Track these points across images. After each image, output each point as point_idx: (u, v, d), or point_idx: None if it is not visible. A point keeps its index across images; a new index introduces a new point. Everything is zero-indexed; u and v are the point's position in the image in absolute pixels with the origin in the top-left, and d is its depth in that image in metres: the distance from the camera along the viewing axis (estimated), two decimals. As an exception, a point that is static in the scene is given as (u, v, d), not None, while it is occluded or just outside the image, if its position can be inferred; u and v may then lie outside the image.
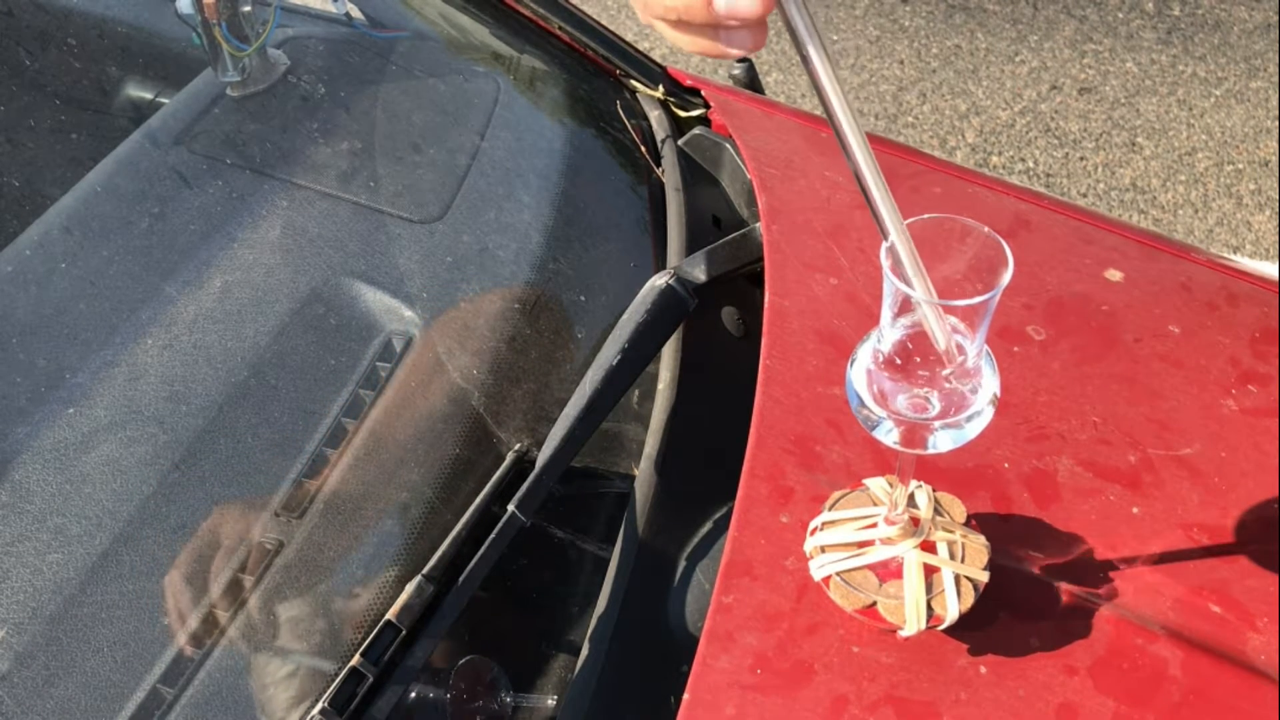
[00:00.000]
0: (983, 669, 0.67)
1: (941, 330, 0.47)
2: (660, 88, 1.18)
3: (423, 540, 0.77)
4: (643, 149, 1.11)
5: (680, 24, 0.38)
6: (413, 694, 0.71)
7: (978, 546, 0.67)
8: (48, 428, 0.78)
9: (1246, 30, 2.71)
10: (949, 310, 0.47)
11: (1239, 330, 0.87)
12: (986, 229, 0.46)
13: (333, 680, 0.68)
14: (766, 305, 0.88)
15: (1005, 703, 0.65)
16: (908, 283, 0.44)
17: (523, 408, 0.87)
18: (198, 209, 0.95)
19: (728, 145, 1.09)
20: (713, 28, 0.37)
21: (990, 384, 0.51)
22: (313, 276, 0.93)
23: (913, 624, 0.64)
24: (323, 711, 0.66)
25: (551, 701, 0.75)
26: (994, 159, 2.46)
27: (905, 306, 0.47)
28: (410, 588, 0.72)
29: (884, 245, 0.43)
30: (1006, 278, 0.45)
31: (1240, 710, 0.65)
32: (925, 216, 0.46)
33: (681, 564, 0.79)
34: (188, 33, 1.05)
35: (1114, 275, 0.92)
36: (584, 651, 0.73)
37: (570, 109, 1.18)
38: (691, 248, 0.96)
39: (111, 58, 1.18)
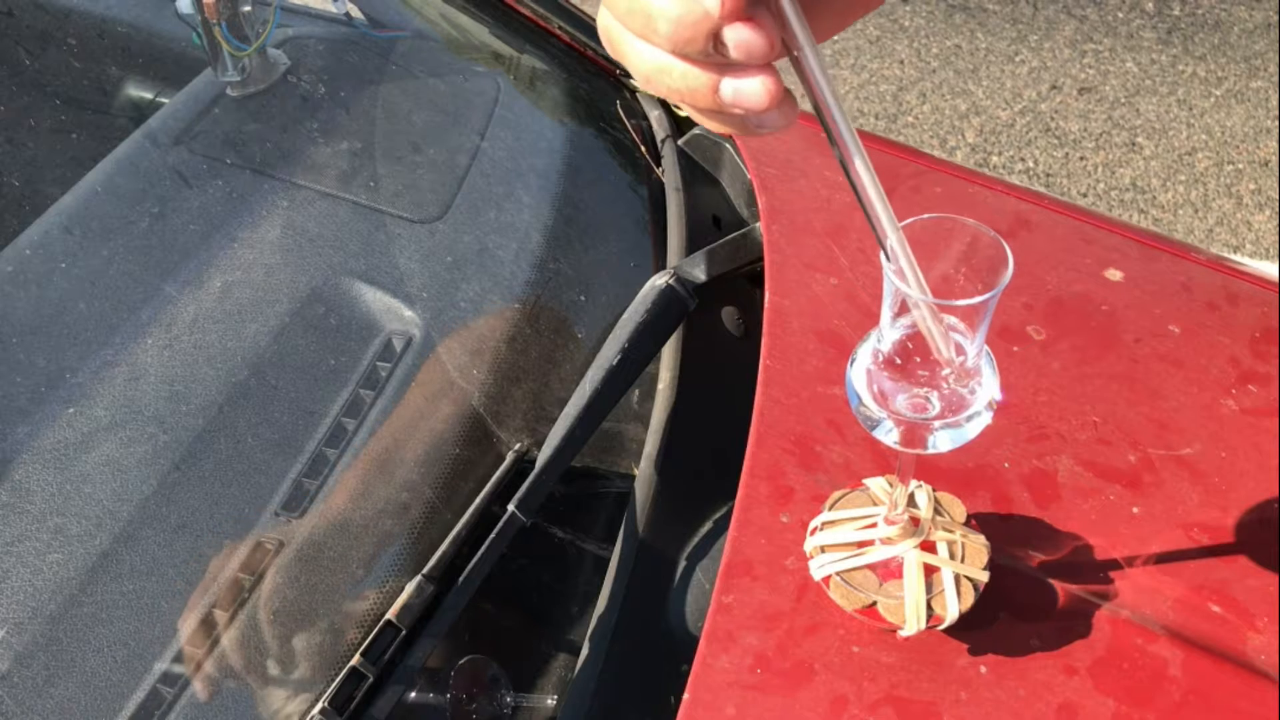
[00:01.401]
0: (983, 669, 0.67)
1: (941, 337, 0.46)
2: (660, 88, 1.18)
3: (423, 540, 0.77)
4: (643, 149, 1.11)
5: (694, 108, 0.37)
6: (413, 694, 0.71)
7: (978, 546, 0.67)
8: (48, 428, 0.78)
9: (1246, 30, 2.71)
10: (949, 310, 0.47)
11: (1239, 330, 0.87)
12: (986, 229, 0.46)
13: (333, 680, 0.68)
14: (766, 305, 0.88)
15: (1005, 703, 0.65)
16: (906, 287, 0.44)
17: (523, 408, 0.87)
18: (198, 209, 0.95)
19: (728, 145, 1.09)
20: (723, 113, 0.36)
21: (990, 384, 0.51)
22: (313, 276, 0.93)
23: (913, 624, 0.64)
24: (323, 711, 0.66)
25: (551, 701, 0.75)
26: (994, 159, 2.46)
27: (905, 307, 0.47)
28: (410, 588, 0.72)
29: (882, 252, 0.43)
30: (1006, 278, 0.45)
31: (1240, 710, 0.65)
32: (925, 216, 0.46)
33: (681, 564, 0.79)
34: (188, 33, 1.05)
35: (1114, 275, 0.92)
36: (584, 651, 0.73)
37: (570, 109, 1.18)
38: (691, 248, 0.96)
39: (111, 58, 1.18)
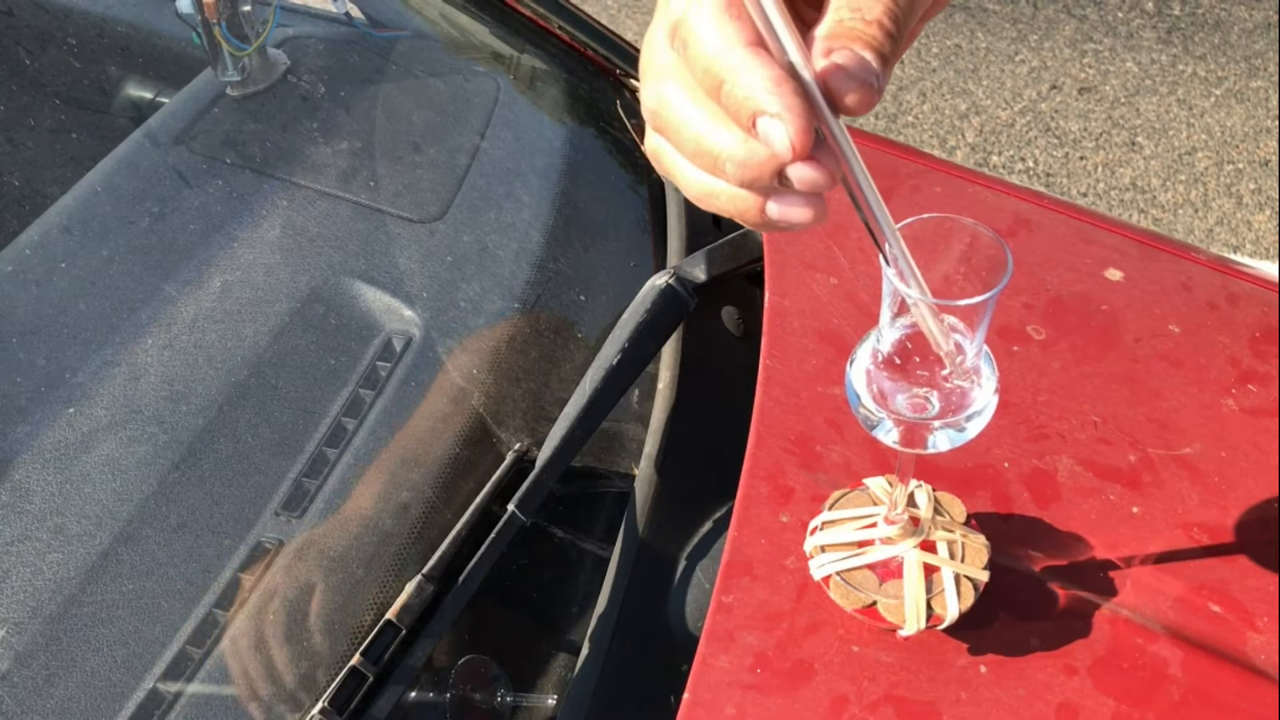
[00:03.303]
0: (983, 669, 0.67)
1: (942, 334, 0.47)
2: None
3: (423, 540, 0.77)
4: (643, 149, 1.11)
5: (736, 219, 0.39)
6: (413, 694, 0.71)
7: (978, 546, 0.67)
8: (48, 428, 0.78)
9: (1246, 30, 2.71)
10: (949, 310, 0.47)
11: (1239, 330, 0.87)
12: (986, 229, 0.46)
13: (333, 680, 0.68)
14: (766, 305, 0.88)
15: (1005, 703, 0.65)
16: (906, 287, 0.44)
17: (523, 408, 0.87)
18: (198, 209, 0.95)
19: (728, 145, 1.09)
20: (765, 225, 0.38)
21: (990, 384, 0.51)
22: (313, 276, 0.93)
23: (913, 624, 0.64)
24: (323, 711, 0.66)
25: (551, 701, 0.75)
26: (994, 159, 2.46)
27: (904, 306, 0.47)
28: (410, 587, 0.72)
29: (881, 255, 0.43)
30: (1006, 278, 0.45)
31: (1240, 710, 0.65)
32: (925, 216, 0.46)
33: (681, 564, 0.79)
34: (188, 33, 1.05)
35: (1114, 275, 0.92)
36: (584, 651, 0.73)
37: (570, 109, 1.18)
38: (691, 247, 0.96)
39: (111, 58, 1.18)
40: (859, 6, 0.35)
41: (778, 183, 0.36)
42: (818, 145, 0.35)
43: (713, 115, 0.36)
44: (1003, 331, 0.87)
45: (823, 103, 0.35)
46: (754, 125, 0.34)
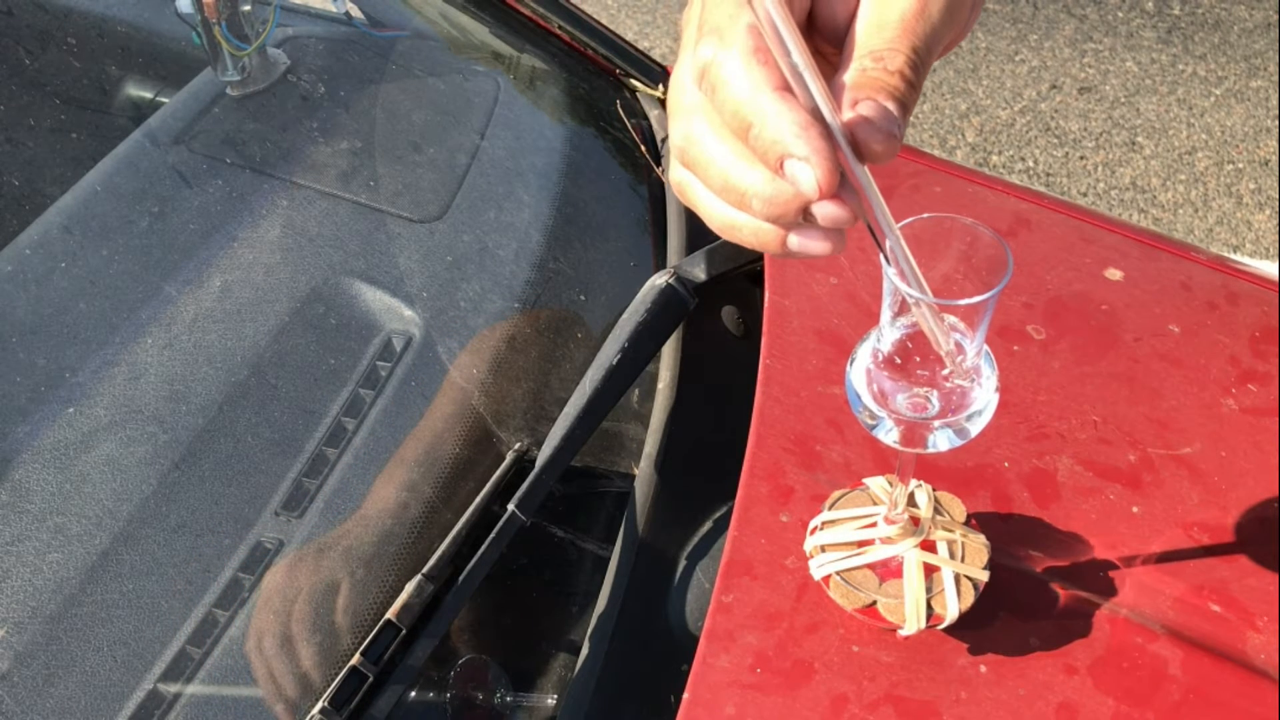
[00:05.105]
0: (983, 669, 0.67)
1: (942, 334, 0.47)
2: (660, 87, 1.18)
3: (423, 540, 0.77)
4: (643, 148, 1.11)
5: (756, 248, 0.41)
6: (413, 694, 0.71)
7: (978, 546, 0.67)
8: (48, 428, 0.78)
9: (1246, 30, 2.71)
10: (949, 310, 0.47)
11: (1239, 330, 0.87)
12: (986, 228, 0.46)
13: (333, 680, 0.68)
14: (766, 305, 0.88)
15: (1005, 702, 0.65)
16: (907, 286, 0.44)
17: (523, 407, 0.87)
18: (198, 209, 0.95)
19: (728, 145, 1.09)
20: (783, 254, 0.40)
21: (990, 383, 0.51)
22: (313, 276, 0.93)
23: (913, 623, 0.64)
24: (323, 711, 0.66)
25: (551, 701, 0.75)
26: (994, 158, 2.46)
27: (905, 306, 0.47)
28: (410, 587, 0.72)
29: (881, 254, 0.43)
30: (1006, 278, 0.45)
31: (1240, 710, 0.65)
32: (925, 216, 0.46)
33: (681, 564, 0.79)
34: (188, 32, 1.05)
35: (1114, 275, 0.92)
36: (584, 651, 0.73)
37: (570, 109, 1.18)
38: (691, 247, 0.96)
39: (111, 58, 1.18)
40: (881, 56, 0.37)
41: (801, 218, 0.37)
42: (840, 183, 0.36)
43: (740, 154, 0.37)
44: (1003, 331, 0.87)
45: (845, 143, 0.36)
46: (781, 166, 0.36)
